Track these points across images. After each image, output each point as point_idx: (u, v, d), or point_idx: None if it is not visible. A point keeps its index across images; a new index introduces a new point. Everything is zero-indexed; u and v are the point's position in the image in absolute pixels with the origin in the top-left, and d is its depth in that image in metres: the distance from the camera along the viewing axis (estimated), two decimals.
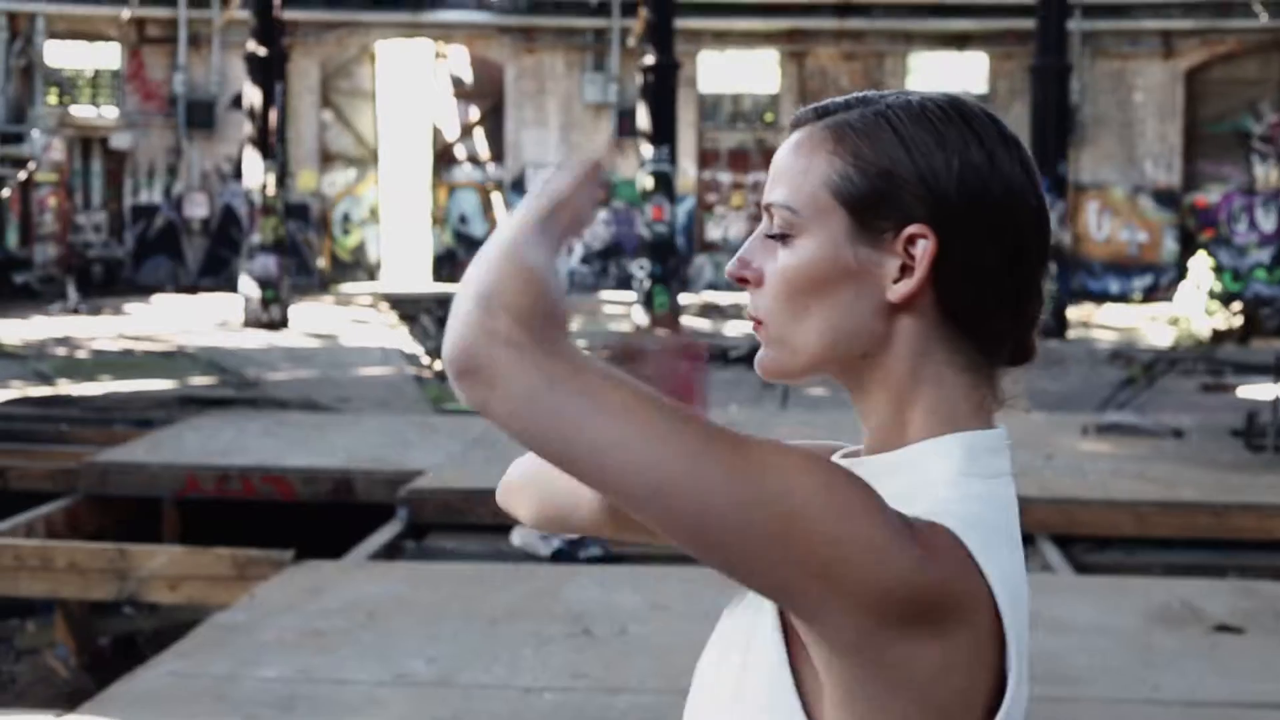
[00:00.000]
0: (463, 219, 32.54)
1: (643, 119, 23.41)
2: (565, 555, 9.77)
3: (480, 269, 1.45)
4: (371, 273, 32.60)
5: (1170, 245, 31.05)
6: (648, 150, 23.16)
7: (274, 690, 6.51)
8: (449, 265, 32.55)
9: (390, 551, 9.90)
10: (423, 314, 28.47)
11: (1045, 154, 22.67)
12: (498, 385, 1.40)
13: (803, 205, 1.57)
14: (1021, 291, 1.57)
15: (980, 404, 1.58)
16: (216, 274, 31.12)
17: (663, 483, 1.39)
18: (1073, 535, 10.30)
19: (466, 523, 10.39)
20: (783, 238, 1.58)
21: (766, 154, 32.00)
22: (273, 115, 22.44)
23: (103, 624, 11.76)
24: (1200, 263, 26.54)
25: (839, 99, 1.63)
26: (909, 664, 1.43)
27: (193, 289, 30.28)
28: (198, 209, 30.99)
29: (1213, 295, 26.07)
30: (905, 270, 1.54)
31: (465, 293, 1.44)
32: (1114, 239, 31.12)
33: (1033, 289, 1.58)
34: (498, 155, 32.29)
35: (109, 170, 30.75)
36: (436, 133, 32.69)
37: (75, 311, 25.37)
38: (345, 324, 24.59)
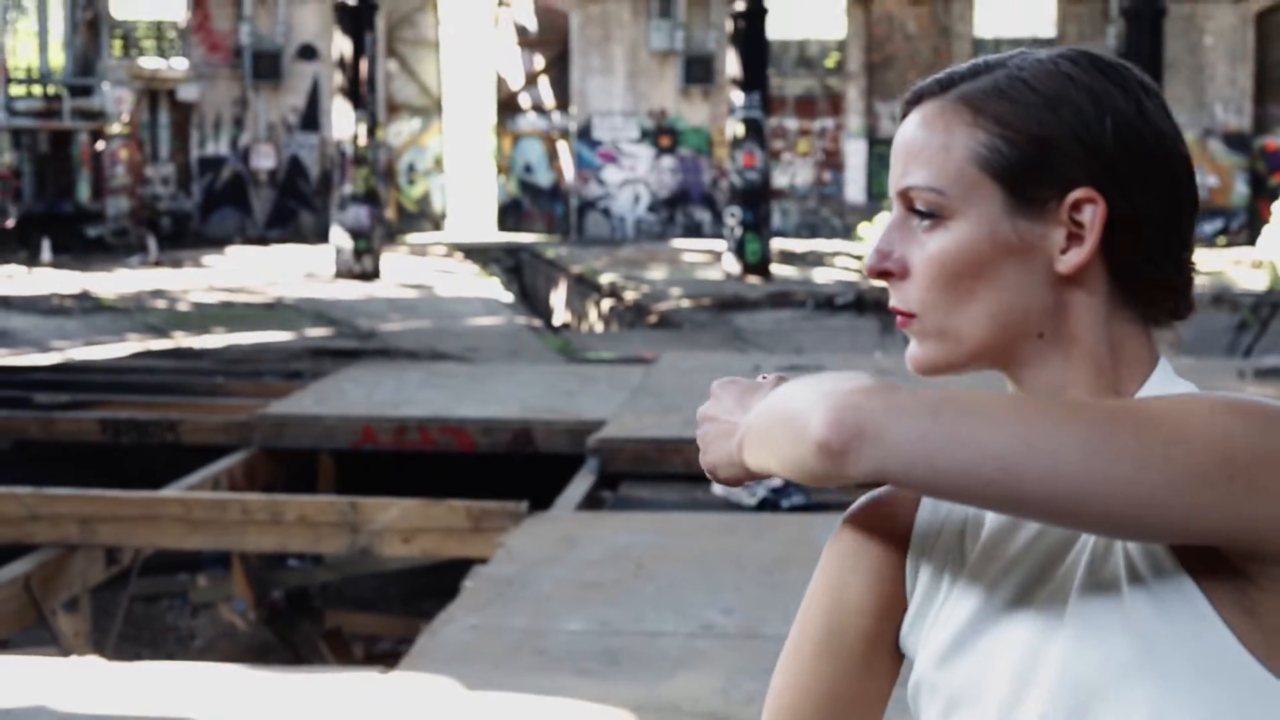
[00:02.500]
0: (528, 168, 32.39)
1: (733, 65, 23.23)
2: (770, 504, 9.66)
3: (783, 396, 1.43)
4: (437, 223, 32.48)
5: (1240, 189, 30.89)
6: (738, 97, 23.00)
7: (588, 643, 6.43)
8: (514, 215, 32.42)
9: (591, 502, 9.80)
10: (491, 264, 28.41)
11: None
12: (886, 437, 1.33)
13: (949, 185, 1.47)
14: (1183, 243, 1.49)
15: (1156, 351, 1.51)
16: (284, 225, 31.02)
17: (1087, 479, 1.32)
18: None
19: (659, 472, 10.28)
20: (929, 221, 1.49)
21: (833, 100, 31.86)
22: (363, 65, 22.27)
23: (275, 577, 11.73)
24: None
25: (960, 67, 1.52)
26: None
27: (261, 240, 30.17)
28: (264, 160, 30.85)
29: None
30: (1073, 238, 1.46)
31: (782, 405, 1.41)
32: None
33: (1190, 239, 1.50)
34: (563, 104, 32.10)
35: (175, 122, 30.60)
36: (501, 81, 32.51)
37: (157, 264, 25.27)
38: (431, 274, 24.49)
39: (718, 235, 30.22)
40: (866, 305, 19.96)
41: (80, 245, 27.46)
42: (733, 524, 8.58)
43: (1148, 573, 1.43)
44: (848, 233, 30.65)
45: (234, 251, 28.18)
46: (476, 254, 28.68)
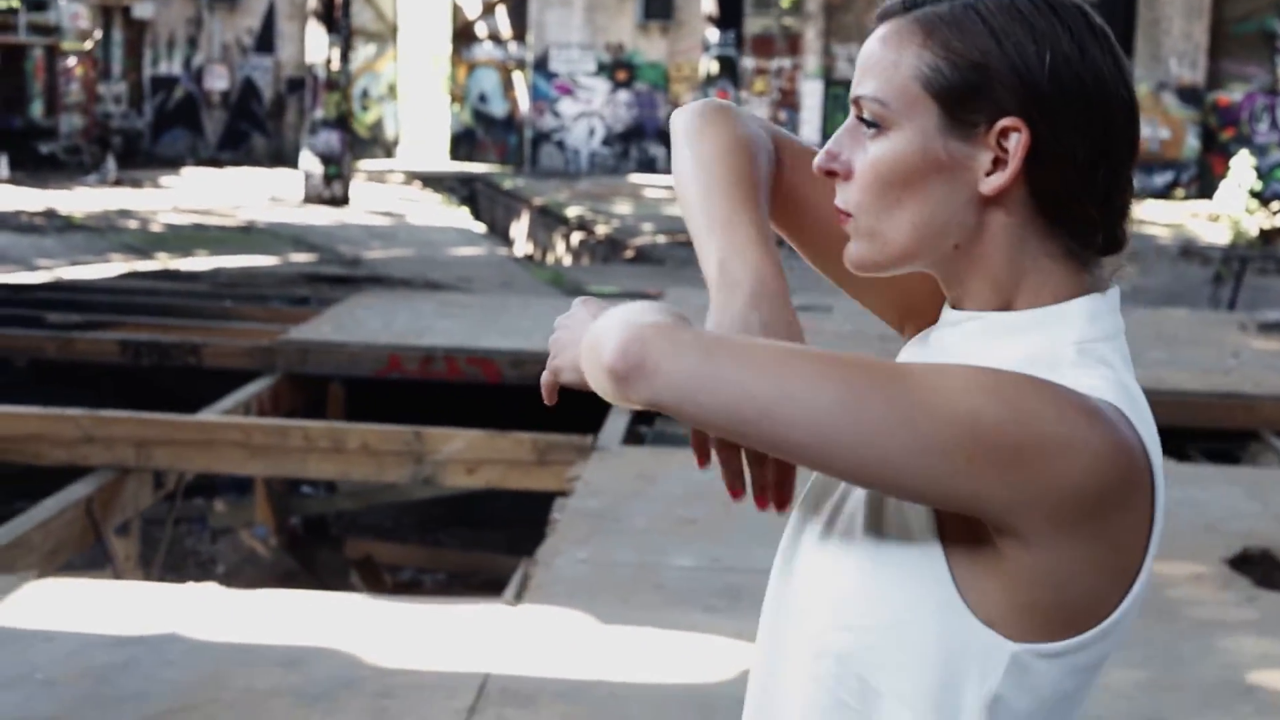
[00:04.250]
0: (482, 97, 32.16)
1: (708, 2, 23.13)
2: None
3: (604, 319, 1.53)
4: (389, 150, 32.22)
5: (1191, 143, 31.13)
6: (713, 34, 22.94)
7: (705, 579, 6.43)
8: (467, 144, 32.19)
9: (631, 437, 9.77)
10: (446, 192, 28.23)
11: None
12: (660, 371, 1.44)
13: (893, 98, 1.57)
14: (1111, 182, 1.57)
15: (1084, 284, 1.60)
16: (236, 148, 30.68)
17: (834, 431, 1.43)
18: None
19: None
20: (873, 130, 1.59)
21: (790, 40, 31.78)
22: None
23: (294, 503, 11.66)
24: (1242, 161, 26.58)
25: None
26: (1100, 541, 1.47)
27: (213, 162, 29.81)
28: (218, 81, 30.47)
29: (1252, 194, 26.17)
30: (997, 163, 1.55)
31: (596, 326, 1.52)
32: None
33: (1121, 179, 1.58)
34: (520, 34, 31.86)
35: (129, 40, 30.11)
36: (457, 9, 32.20)
37: (116, 183, 24.92)
38: (398, 202, 24.30)
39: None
40: None
41: (32, 161, 27.03)
42: None
43: (908, 510, 1.56)
44: None
45: (189, 172, 27.84)
46: (431, 182, 28.46)
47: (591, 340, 1.50)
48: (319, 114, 22.48)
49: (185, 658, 5.51)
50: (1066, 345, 1.56)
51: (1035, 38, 1.53)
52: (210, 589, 6.46)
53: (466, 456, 8.57)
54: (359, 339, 11.42)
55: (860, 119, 1.60)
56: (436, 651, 5.60)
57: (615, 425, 9.79)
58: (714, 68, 22.83)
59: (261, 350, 11.26)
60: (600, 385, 1.50)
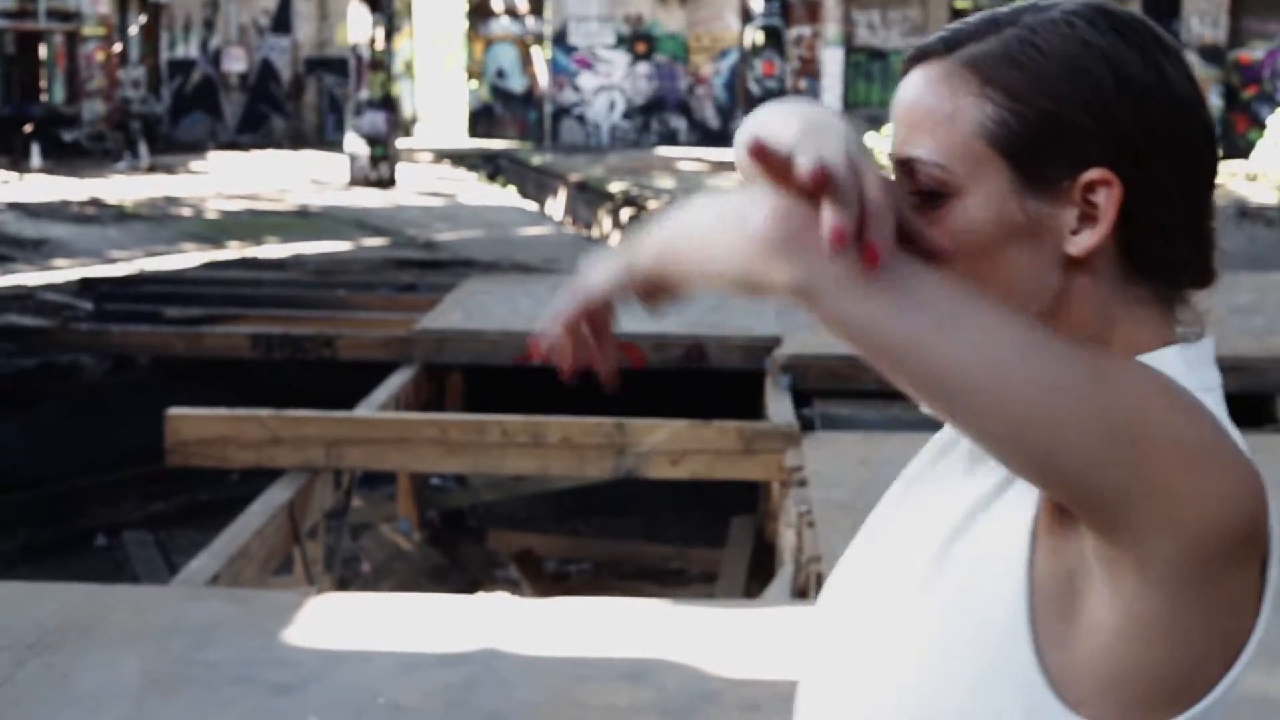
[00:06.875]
0: (500, 73, 31.88)
1: None
2: None
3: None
4: (406, 128, 31.90)
5: (1214, 102, 31.03)
6: (758, 4, 22.70)
7: None
8: (486, 120, 31.92)
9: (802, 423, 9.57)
10: (471, 170, 27.99)
11: (1159, 6, 22.53)
12: (819, 250, 1.22)
13: (955, 161, 1.35)
14: (1200, 214, 1.39)
15: (1173, 329, 1.41)
16: (255, 130, 30.34)
17: (1005, 371, 1.22)
18: None
19: (851, 389, 10.05)
20: (933, 198, 1.36)
21: (809, 7, 31.57)
22: None
23: (430, 496, 11.47)
24: (1278, 120, 26.50)
25: (967, 24, 1.40)
26: (1217, 593, 1.29)
27: (233, 145, 29.48)
28: (235, 64, 30.13)
29: None
30: (1085, 219, 1.35)
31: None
32: None
33: (1208, 208, 1.40)
34: (537, 8, 31.58)
35: (145, 24, 29.73)
36: None
37: (150, 169, 24.58)
38: (441, 182, 24.03)
39: (694, 143, 29.97)
40: None
41: (56, 150, 26.66)
42: None
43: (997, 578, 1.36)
44: None
45: (214, 157, 27.50)
46: (456, 160, 28.22)
47: (732, 209, 1.27)
48: (364, 95, 22.19)
49: (521, 675, 5.30)
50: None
51: (1110, 69, 1.33)
52: (497, 598, 6.25)
53: (670, 448, 8.35)
54: (492, 326, 11.19)
55: (914, 181, 1.37)
56: (777, 658, 5.40)
57: (780, 408, 9.61)
58: (759, 38, 22.58)
59: (398, 341, 11.03)
60: (733, 266, 1.26)
